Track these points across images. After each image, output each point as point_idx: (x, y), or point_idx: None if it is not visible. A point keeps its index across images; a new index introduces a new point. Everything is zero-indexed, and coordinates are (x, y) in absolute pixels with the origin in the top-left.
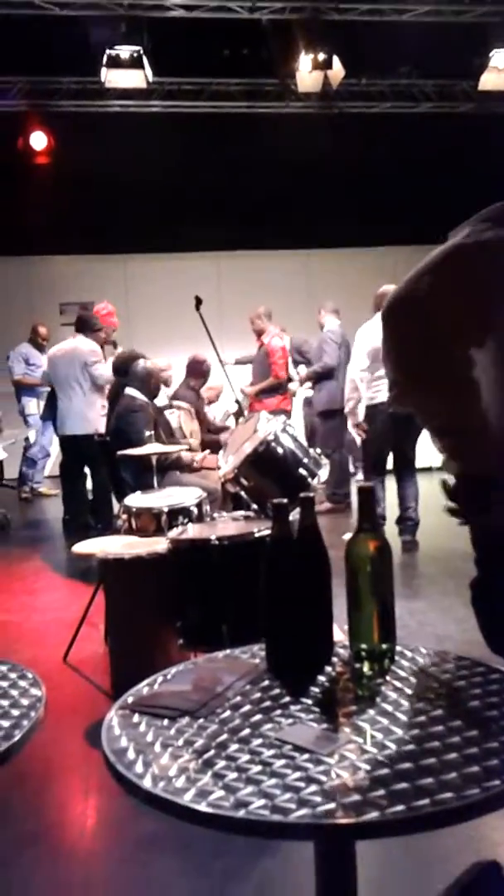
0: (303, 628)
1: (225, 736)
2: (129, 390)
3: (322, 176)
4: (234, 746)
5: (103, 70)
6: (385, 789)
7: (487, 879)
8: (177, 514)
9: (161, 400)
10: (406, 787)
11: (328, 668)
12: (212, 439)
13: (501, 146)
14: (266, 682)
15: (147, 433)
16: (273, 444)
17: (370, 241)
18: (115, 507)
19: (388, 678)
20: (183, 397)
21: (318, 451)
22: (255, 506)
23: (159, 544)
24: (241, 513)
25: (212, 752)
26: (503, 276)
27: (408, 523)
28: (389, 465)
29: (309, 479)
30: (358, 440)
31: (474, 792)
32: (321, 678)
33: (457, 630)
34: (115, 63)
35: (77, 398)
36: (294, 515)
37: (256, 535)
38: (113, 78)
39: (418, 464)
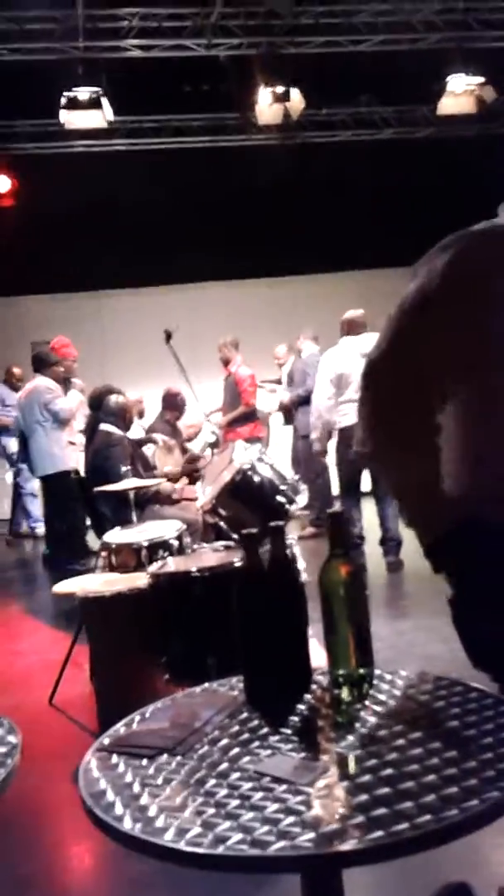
0: (278, 658)
1: (203, 772)
2: (105, 426)
3: (289, 205)
4: (212, 782)
5: (62, 112)
6: (364, 816)
7: None
8: (157, 548)
9: (137, 433)
10: (385, 813)
11: (307, 696)
12: (191, 469)
13: (462, 169)
14: (245, 714)
15: (125, 468)
16: (249, 472)
17: (339, 266)
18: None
19: (366, 703)
20: (157, 430)
21: (297, 476)
22: (234, 535)
23: (140, 579)
24: (222, 543)
25: (190, 789)
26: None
27: (390, 543)
28: (367, 486)
29: (287, 506)
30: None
31: (453, 813)
32: (300, 707)
33: (444, 650)
34: (74, 104)
35: (41, 438)
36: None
37: (237, 565)
38: (72, 119)
39: None
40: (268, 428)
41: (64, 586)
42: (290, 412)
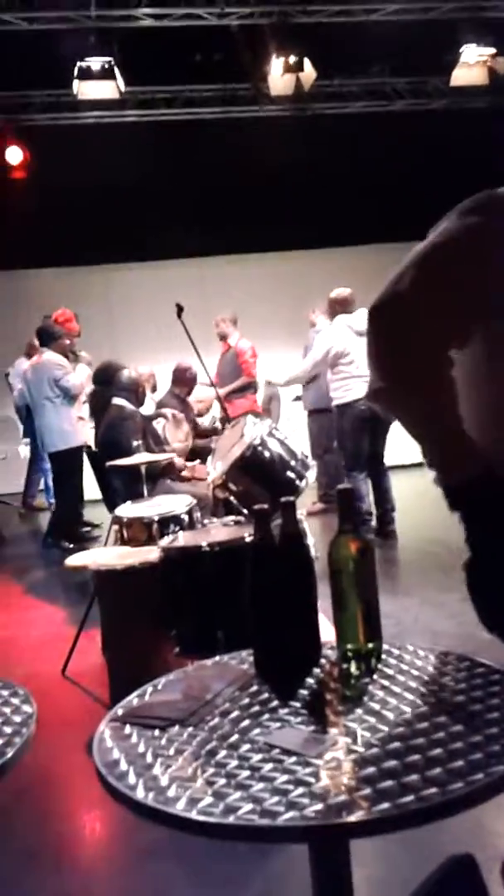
0: (289, 633)
1: (214, 743)
2: (117, 400)
3: (300, 177)
4: (223, 753)
5: (75, 82)
6: (371, 788)
7: (461, 872)
8: (168, 523)
9: (148, 408)
10: (392, 785)
11: (316, 670)
12: (202, 445)
13: (475, 141)
14: (255, 688)
15: (136, 442)
16: (260, 448)
17: (350, 239)
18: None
19: (375, 677)
20: (168, 405)
21: (305, 453)
22: (245, 511)
23: (151, 553)
24: (232, 518)
25: (202, 760)
26: (488, 265)
27: (390, 513)
28: None
29: (297, 482)
30: None
31: (458, 786)
32: (309, 680)
33: (451, 625)
34: (87, 75)
35: (51, 414)
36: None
37: (247, 539)
38: (85, 90)
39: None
40: (279, 403)
41: (76, 559)
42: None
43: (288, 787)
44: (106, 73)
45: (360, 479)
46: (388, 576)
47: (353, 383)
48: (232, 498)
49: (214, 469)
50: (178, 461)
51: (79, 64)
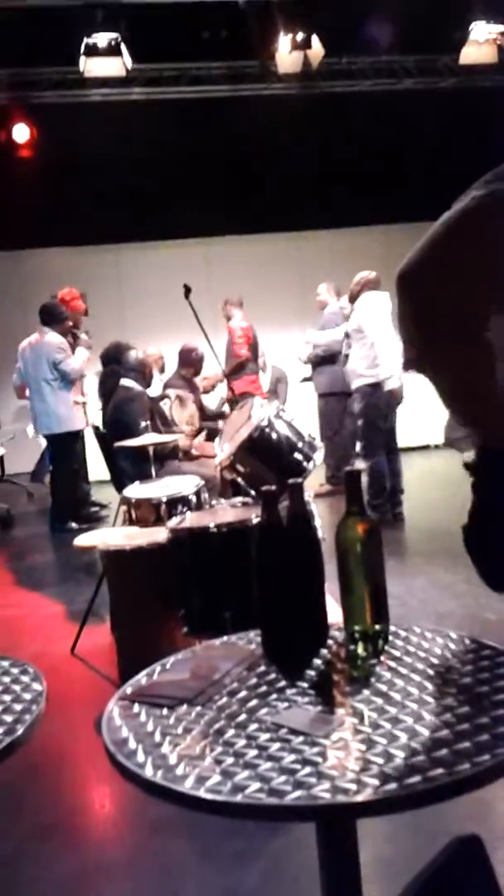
0: (296, 613)
1: (222, 722)
2: (125, 381)
3: (307, 156)
4: (231, 732)
5: (82, 59)
6: (378, 768)
7: (468, 853)
8: (176, 503)
9: (156, 389)
10: (399, 766)
11: (323, 651)
12: (209, 426)
13: (485, 119)
14: (262, 668)
15: (144, 423)
16: (267, 429)
17: (358, 220)
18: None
19: (382, 658)
20: (174, 386)
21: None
22: (252, 492)
23: (159, 534)
24: (240, 499)
25: (210, 739)
26: None
27: (399, 495)
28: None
29: (304, 464)
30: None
31: (465, 767)
32: (316, 661)
33: (457, 606)
34: (94, 51)
35: (48, 397)
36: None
37: (255, 520)
38: (92, 66)
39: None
40: (286, 385)
41: (85, 540)
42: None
43: (295, 766)
44: (113, 50)
45: (382, 458)
46: (395, 557)
47: (388, 360)
48: (239, 479)
49: (222, 450)
50: (185, 442)
51: (85, 41)
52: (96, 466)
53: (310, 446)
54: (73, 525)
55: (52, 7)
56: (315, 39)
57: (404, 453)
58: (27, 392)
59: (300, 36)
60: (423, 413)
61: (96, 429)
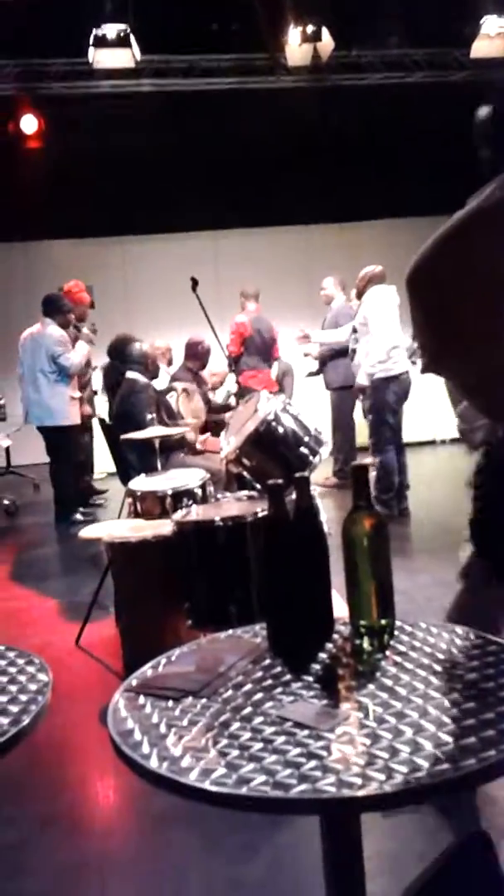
0: (302, 607)
1: (228, 715)
2: (130, 374)
3: (316, 150)
4: (236, 725)
5: (90, 50)
6: (383, 763)
7: (474, 850)
8: (181, 497)
9: (163, 382)
10: (404, 760)
11: (329, 645)
12: (215, 420)
13: (496, 114)
14: (267, 661)
15: (150, 415)
16: (273, 423)
17: (367, 214)
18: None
19: (387, 653)
20: (180, 379)
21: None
22: (258, 486)
23: (165, 527)
24: (245, 493)
25: (215, 732)
26: None
27: (405, 490)
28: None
29: (310, 458)
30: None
31: (470, 763)
32: (322, 655)
33: None
34: (102, 42)
35: (44, 389)
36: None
37: (260, 514)
38: (100, 58)
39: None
40: (292, 378)
41: (90, 531)
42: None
43: (300, 759)
44: (122, 41)
45: (392, 453)
46: (401, 553)
47: (397, 355)
48: (245, 473)
49: (228, 444)
50: (191, 435)
51: (94, 32)
52: (102, 458)
53: (316, 440)
54: (79, 517)
55: None
56: (325, 32)
57: (410, 448)
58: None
59: (310, 28)
60: (429, 408)
61: (102, 421)
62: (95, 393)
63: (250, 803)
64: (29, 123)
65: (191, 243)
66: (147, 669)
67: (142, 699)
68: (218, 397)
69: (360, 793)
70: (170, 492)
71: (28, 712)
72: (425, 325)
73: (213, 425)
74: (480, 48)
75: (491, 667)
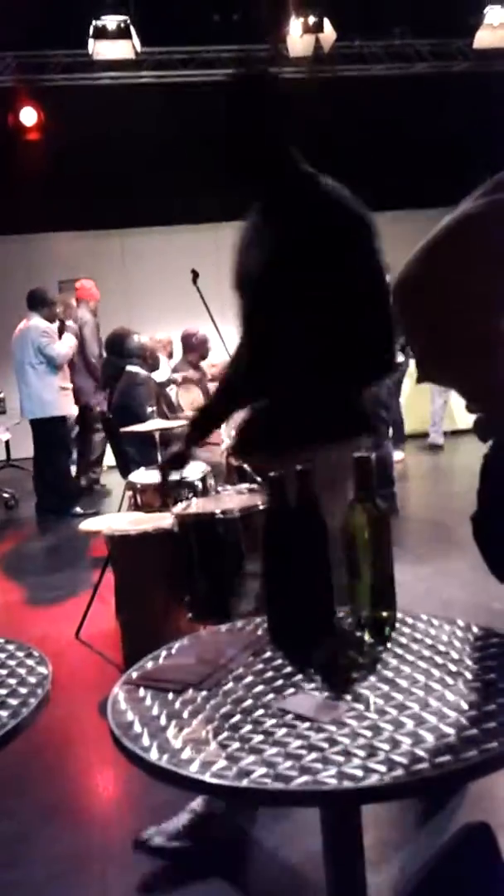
0: (303, 599)
1: (228, 707)
2: (130, 367)
3: (317, 141)
4: (237, 717)
5: (90, 41)
6: (385, 754)
7: (476, 841)
8: (182, 489)
9: (164, 374)
10: (405, 752)
11: (330, 638)
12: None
13: (498, 105)
14: (268, 654)
15: (150, 408)
16: None
17: (369, 205)
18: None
19: (388, 645)
20: (180, 371)
21: None
22: (259, 478)
23: (165, 520)
24: (246, 485)
25: (215, 724)
26: None
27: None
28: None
29: None
30: None
31: (472, 754)
32: (323, 647)
33: (463, 595)
34: (102, 34)
35: (33, 381)
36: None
37: (261, 507)
38: (100, 49)
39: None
40: None
41: (90, 524)
42: None
43: (301, 752)
44: (122, 33)
45: (388, 446)
46: (401, 545)
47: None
48: (246, 465)
49: (229, 436)
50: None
51: (94, 23)
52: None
53: None
54: (78, 510)
55: None
56: (327, 22)
57: (411, 440)
58: None
59: (312, 19)
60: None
61: (102, 414)
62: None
63: (251, 795)
64: (28, 115)
65: (191, 235)
66: (147, 661)
67: (142, 691)
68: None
69: (362, 784)
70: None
71: (27, 705)
72: (416, 338)
73: None
74: (483, 38)
75: (492, 658)
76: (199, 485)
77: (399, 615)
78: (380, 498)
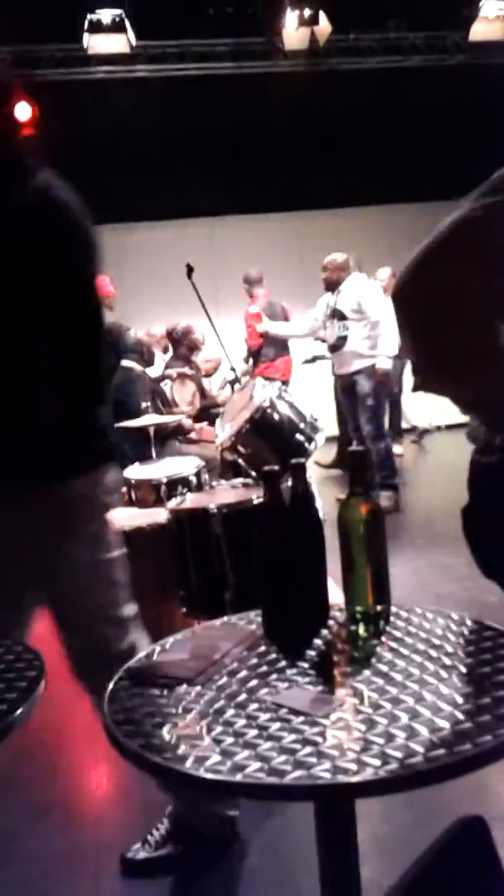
0: (297, 594)
1: (222, 702)
2: (126, 362)
3: (313, 135)
4: (231, 712)
5: (85, 36)
6: (379, 748)
7: (471, 835)
8: (176, 484)
9: (158, 369)
10: (400, 746)
11: (324, 632)
12: (208, 405)
13: (494, 98)
14: (263, 648)
15: (145, 404)
16: (269, 410)
17: (364, 200)
18: None
19: (383, 639)
20: (173, 367)
21: (314, 415)
22: (253, 473)
23: (159, 515)
24: (240, 480)
25: (209, 719)
26: None
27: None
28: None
29: (306, 445)
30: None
31: (466, 748)
32: (317, 642)
33: (457, 589)
34: (97, 28)
35: None
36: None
37: (255, 502)
38: (95, 43)
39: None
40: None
41: None
42: None
43: (296, 746)
44: (117, 27)
45: (389, 439)
46: (395, 539)
47: (387, 339)
48: (240, 460)
49: (223, 431)
50: (187, 423)
51: (89, 17)
52: None
53: (312, 427)
54: None
55: None
56: (322, 15)
57: (407, 434)
58: None
59: (307, 12)
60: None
61: None
62: None
63: (245, 790)
64: (22, 111)
65: (186, 230)
66: (141, 657)
67: (136, 687)
68: (214, 384)
69: (356, 779)
70: (164, 480)
71: (23, 700)
72: (415, 344)
73: (210, 414)
74: (479, 31)
75: (487, 652)
76: (194, 480)
77: (393, 609)
78: (392, 489)
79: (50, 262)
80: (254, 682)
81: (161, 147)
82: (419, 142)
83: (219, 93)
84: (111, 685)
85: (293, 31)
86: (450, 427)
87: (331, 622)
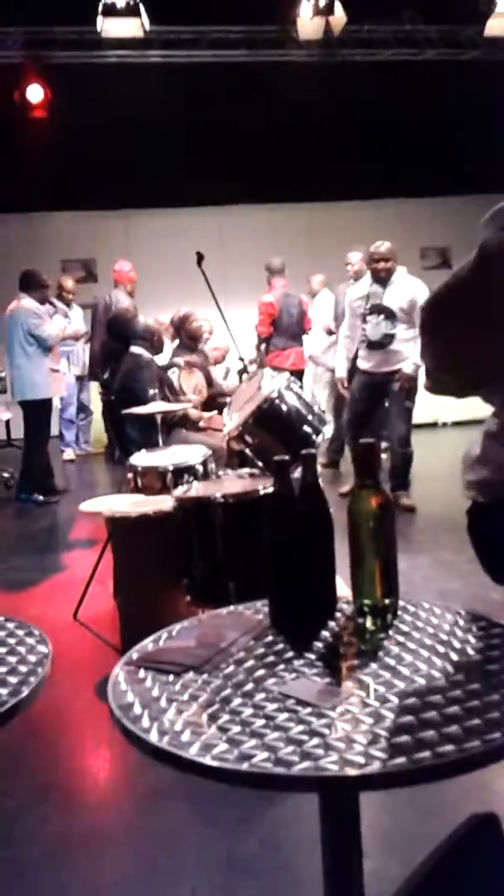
0: (305, 584)
1: (229, 691)
2: (134, 348)
3: (325, 126)
4: (237, 701)
5: (99, 19)
6: (386, 742)
7: (484, 832)
8: (182, 473)
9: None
10: (407, 740)
11: (331, 624)
12: (216, 393)
13: None
14: (270, 638)
15: (152, 391)
16: (277, 401)
17: (374, 192)
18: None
19: (390, 633)
20: (181, 356)
21: (322, 407)
22: (259, 463)
23: (165, 502)
24: (246, 470)
25: (216, 707)
26: None
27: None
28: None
29: (314, 436)
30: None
31: (475, 744)
32: (324, 633)
33: (461, 585)
34: (111, 11)
35: (23, 363)
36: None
37: (261, 492)
38: (109, 27)
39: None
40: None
41: (91, 505)
42: None
43: (302, 737)
44: (131, 11)
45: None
46: (400, 535)
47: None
48: (247, 450)
49: (231, 421)
50: (194, 412)
51: (103, 0)
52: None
53: (319, 419)
54: (37, 497)
55: None
56: (338, 6)
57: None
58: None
59: (322, 1)
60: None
61: (102, 394)
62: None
63: (252, 780)
64: (34, 92)
65: (196, 218)
66: (148, 643)
67: (142, 673)
68: (219, 372)
69: (363, 771)
70: (171, 468)
71: (28, 684)
72: (434, 351)
73: (217, 403)
74: (494, 27)
75: (495, 649)
76: (200, 469)
77: (401, 603)
78: (406, 489)
79: None
80: (261, 672)
81: (171, 134)
82: (431, 136)
83: (231, 80)
84: (116, 669)
85: (308, 21)
86: (456, 424)
87: (338, 615)
